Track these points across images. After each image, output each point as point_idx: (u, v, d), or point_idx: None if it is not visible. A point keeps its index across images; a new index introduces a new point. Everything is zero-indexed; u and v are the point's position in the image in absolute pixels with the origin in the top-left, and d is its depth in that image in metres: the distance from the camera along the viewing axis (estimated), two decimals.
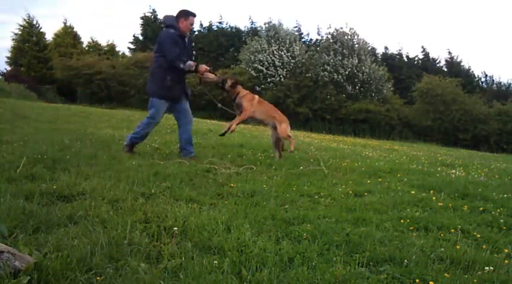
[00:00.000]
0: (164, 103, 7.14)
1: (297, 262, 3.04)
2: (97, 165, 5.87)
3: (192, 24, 7.35)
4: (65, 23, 45.26)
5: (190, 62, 6.96)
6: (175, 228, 3.46)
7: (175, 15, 7.20)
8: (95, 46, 46.24)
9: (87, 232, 3.25)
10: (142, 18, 46.55)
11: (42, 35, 43.64)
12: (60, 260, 2.66)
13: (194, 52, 35.94)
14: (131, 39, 47.92)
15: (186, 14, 7.18)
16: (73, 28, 45.52)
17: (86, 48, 45.62)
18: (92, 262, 2.74)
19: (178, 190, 4.89)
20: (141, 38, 46.83)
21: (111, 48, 47.23)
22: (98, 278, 2.58)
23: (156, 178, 5.41)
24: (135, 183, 4.94)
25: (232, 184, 5.43)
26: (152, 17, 46.73)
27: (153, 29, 45.60)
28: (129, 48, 48.12)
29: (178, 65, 6.87)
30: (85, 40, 47.23)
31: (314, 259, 3.10)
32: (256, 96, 7.68)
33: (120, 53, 47.70)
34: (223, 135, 7.78)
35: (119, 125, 12.59)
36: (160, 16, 46.84)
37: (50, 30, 60.73)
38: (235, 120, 7.48)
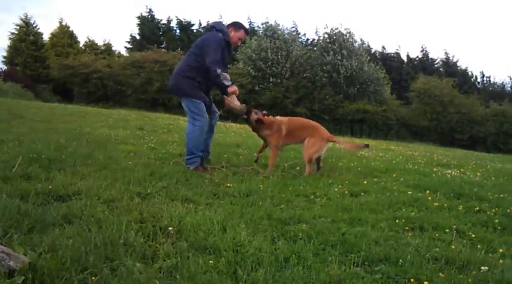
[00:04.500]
0: (201, 103, 6.54)
1: (293, 262, 3.04)
2: (93, 164, 5.87)
3: (240, 39, 6.91)
4: (61, 23, 45.22)
5: (227, 75, 6.53)
6: (171, 228, 3.46)
7: (226, 24, 6.84)
8: (91, 45, 46.13)
9: (83, 232, 3.24)
10: (138, 17, 46.49)
11: (39, 34, 43.67)
12: (55, 260, 2.65)
13: None
14: (128, 38, 47.94)
15: (238, 27, 6.82)
16: (69, 27, 45.46)
17: (83, 48, 45.53)
18: (87, 262, 2.74)
19: (174, 190, 4.89)
20: (138, 37, 46.77)
21: (108, 47, 47.18)
22: (93, 278, 2.58)
23: (152, 178, 5.40)
24: (131, 183, 4.93)
25: (228, 184, 5.42)
26: (149, 16, 46.66)
27: (150, 28, 45.63)
28: (125, 47, 48.16)
29: (215, 69, 6.28)
30: (81, 39, 47.32)
31: (309, 259, 3.11)
32: (284, 125, 6.85)
33: (116, 53, 47.69)
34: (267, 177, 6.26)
35: (115, 125, 12.55)
36: (157, 16, 46.92)
37: (46, 29, 60.63)
38: (269, 164, 6.74)
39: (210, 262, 2.94)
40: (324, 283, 2.78)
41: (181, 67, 6.65)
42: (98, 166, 5.76)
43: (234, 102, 6.59)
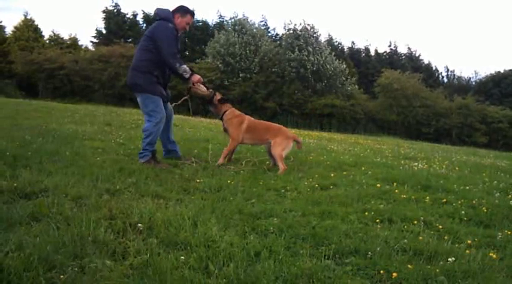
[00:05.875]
0: (159, 98, 6.49)
1: (264, 256, 3.05)
2: (60, 161, 5.74)
3: (188, 24, 6.71)
4: (25, 16, 44.07)
5: (186, 67, 6.49)
6: (141, 224, 3.42)
7: (171, 9, 6.63)
8: (56, 39, 45.08)
9: (50, 230, 3.17)
10: (104, 11, 45.72)
11: (1, 28, 42.48)
12: (22, 259, 2.60)
13: None
14: (94, 33, 47.05)
15: (184, 11, 6.62)
16: (34, 21, 44.33)
17: (47, 42, 44.45)
18: (55, 260, 2.68)
19: (144, 185, 4.83)
20: (104, 31, 45.97)
21: (74, 41, 46.16)
22: (61, 276, 2.53)
23: (121, 174, 5.33)
24: (99, 179, 4.85)
25: (198, 179, 5.40)
26: (115, 10, 45.94)
27: (116, 22, 44.92)
28: (92, 42, 47.25)
29: (174, 64, 6.32)
30: (46, 33, 46.14)
31: (281, 253, 3.12)
32: (246, 119, 6.97)
33: (83, 47, 46.73)
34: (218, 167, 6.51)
35: (82, 120, 12.33)
36: (124, 10, 46.24)
37: (9, 23, 59.04)
38: (223, 152, 6.88)
39: (181, 257, 2.92)
40: (296, 276, 2.79)
41: (136, 62, 6.56)
42: (65, 163, 5.64)
43: (201, 88, 6.74)
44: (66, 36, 46.38)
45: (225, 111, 6.95)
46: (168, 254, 2.96)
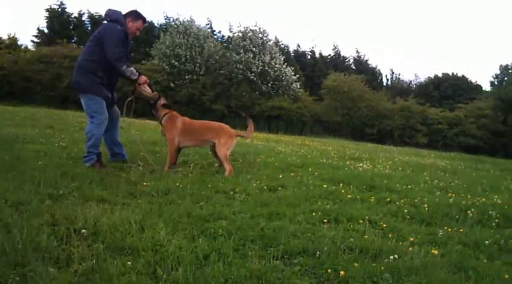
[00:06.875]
0: (102, 100, 6.39)
1: (213, 259, 3.04)
2: None
3: (138, 29, 6.69)
4: None
5: (133, 69, 6.42)
6: (85, 230, 3.33)
7: (123, 12, 6.54)
8: None
9: None
10: (47, 10, 44.17)
11: None
12: None
13: None
14: (35, 32, 45.37)
15: (136, 16, 6.59)
16: None
17: None
18: None
19: (88, 190, 4.70)
20: (46, 31, 44.42)
21: (13, 41, 44.24)
22: None
23: (64, 178, 5.16)
24: (41, 184, 4.68)
25: (145, 183, 5.31)
26: (59, 9, 44.49)
27: (60, 21, 43.48)
28: (33, 41, 45.51)
29: (120, 66, 6.23)
30: None
31: (230, 255, 3.12)
32: (180, 122, 6.79)
33: (23, 47, 44.90)
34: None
35: (22, 123, 11.85)
36: (69, 9, 44.89)
37: None
38: (167, 161, 6.68)
39: (128, 263, 2.86)
40: (245, 278, 2.80)
41: (81, 62, 6.45)
42: (4, 168, 5.40)
43: (146, 89, 6.68)
44: (4, 36, 44.49)
45: (164, 115, 6.85)
46: (115, 260, 2.90)
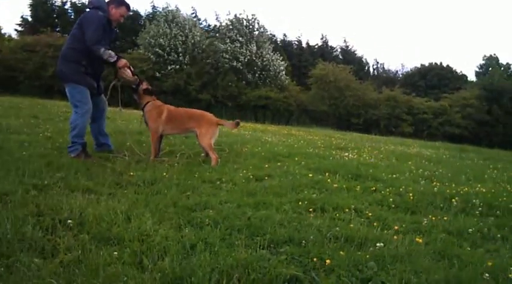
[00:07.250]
0: (86, 89, 6.31)
1: (200, 248, 3.04)
2: None
3: (122, 16, 6.62)
4: None
5: (111, 51, 6.29)
6: (71, 220, 3.31)
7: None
8: None
9: None
10: None
11: None
12: None
13: None
14: (19, 20, 44.61)
15: (119, 3, 6.48)
16: None
17: None
18: None
19: (74, 180, 4.67)
20: (30, 19, 43.72)
21: None
22: None
23: (50, 168, 5.11)
24: (26, 174, 4.63)
25: (131, 173, 5.29)
26: None
27: (44, 10, 42.79)
28: (16, 30, 44.76)
29: (97, 49, 6.11)
30: None
31: (216, 245, 3.13)
32: (165, 110, 6.71)
33: (6, 36, 44.20)
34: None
35: (6, 113, 11.67)
36: None
37: None
38: (151, 151, 6.61)
39: (115, 253, 2.86)
40: (231, 267, 2.81)
41: (65, 50, 6.40)
42: None
43: (126, 72, 6.60)
44: None
45: (147, 103, 6.78)
46: (101, 250, 2.89)
